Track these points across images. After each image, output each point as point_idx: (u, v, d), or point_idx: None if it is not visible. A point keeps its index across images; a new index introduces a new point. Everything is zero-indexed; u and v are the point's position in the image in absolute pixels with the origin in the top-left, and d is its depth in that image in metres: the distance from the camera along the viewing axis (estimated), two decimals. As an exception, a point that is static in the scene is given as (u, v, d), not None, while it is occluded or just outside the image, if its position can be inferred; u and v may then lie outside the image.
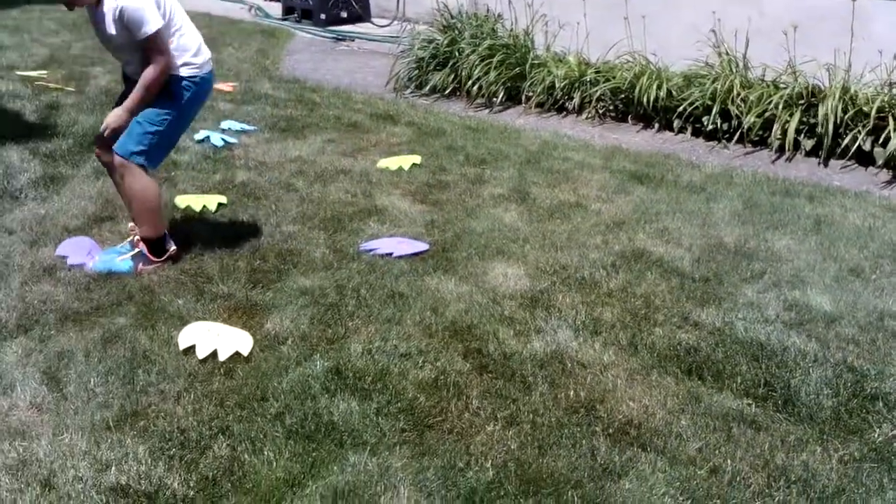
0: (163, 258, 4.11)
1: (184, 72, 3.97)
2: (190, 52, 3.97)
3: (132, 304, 3.76)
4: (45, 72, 7.72)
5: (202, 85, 4.04)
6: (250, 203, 4.88)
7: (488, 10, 7.93)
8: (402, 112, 6.83)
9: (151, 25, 3.80)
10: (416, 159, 5.62)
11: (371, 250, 4.33)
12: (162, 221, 4.14)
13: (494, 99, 7.12)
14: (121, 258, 4.08)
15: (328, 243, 4.41)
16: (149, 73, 3.89)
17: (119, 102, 4.06)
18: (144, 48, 3.85)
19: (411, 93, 7.58)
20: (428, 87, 7.54)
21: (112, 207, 4.75)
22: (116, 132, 3.98)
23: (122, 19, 3.78)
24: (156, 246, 4.11)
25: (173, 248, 4.15)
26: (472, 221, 4.69)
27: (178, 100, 3.99)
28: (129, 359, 3.34)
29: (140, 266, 4.07)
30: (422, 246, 4.37)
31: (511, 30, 7.59)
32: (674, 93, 6.49)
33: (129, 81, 4.07)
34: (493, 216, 4.76)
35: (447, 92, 7.44)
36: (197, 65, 4.00)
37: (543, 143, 6.10)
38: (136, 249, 4.10)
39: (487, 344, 3.50)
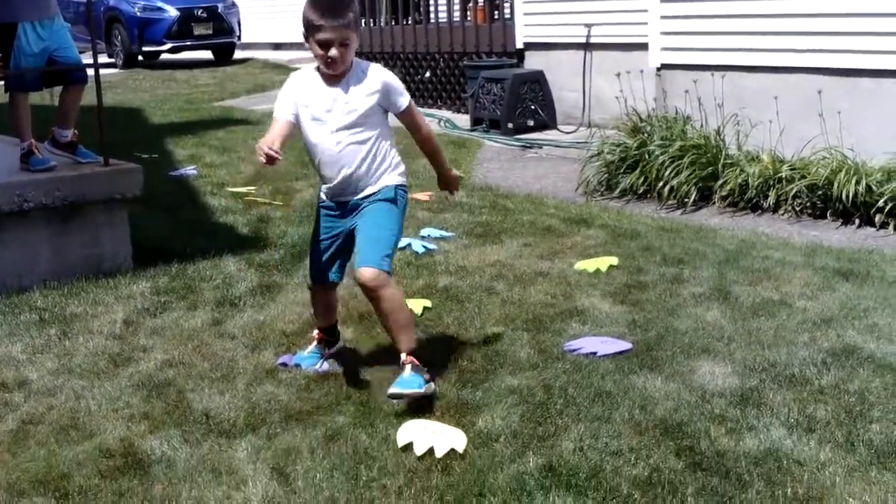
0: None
1: (403, 180, 4.13)
2: (401, 164, 4.17)
3: (350, 403, 3.93)
4: (252, 188, 8.20)
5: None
6: (454, 306, 5.03)
7: (677, 112, 8.00)
8: (594, 215, 6.93)
9: (408, 95, 4.07)
10: (614, 261, 5.68)
11: (575, 350, 4.39)
12: None
13: (686, 199, 7.14)
14: (406, 375, 3.91)
15: (532, 344, 4.50)
16: (431, 135, 4.21)
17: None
18: (408, 118, 4.07)
19: (601, 196, 7.69)
20: (618, 191, 7.63)
21: (324, 313, 4.99)
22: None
23: (384, 91, 3.96)
24: (418, 357, 3.99)
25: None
26: (675, 321, 4.70)
27: (404, 209, 4.13)
28: (351, 455, 3.49)
29: (426, 377, 3.93)
30: (625, 345, 4.41)
31: (701, 130, 7.63)
32: (873, 187, 6.38)
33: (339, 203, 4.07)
34: (695, 315, 4.77)
35: (638, 194, 7.51)
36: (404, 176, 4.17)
37: (741, 241, 6.07)
38: (408, 366, 3.92)
39: (699, 442, 3.49)
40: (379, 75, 4.00)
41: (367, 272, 3.86)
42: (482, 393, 3.96)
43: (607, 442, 3.51)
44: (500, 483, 3.26)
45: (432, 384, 3.97)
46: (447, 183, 4.39)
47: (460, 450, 3.49)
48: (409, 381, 3.87)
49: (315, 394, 4.04)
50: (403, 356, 3.96)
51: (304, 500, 3.22)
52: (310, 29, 3.88)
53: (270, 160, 3.78)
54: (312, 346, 4.40)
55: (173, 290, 5.47)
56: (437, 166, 4.35)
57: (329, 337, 4.39)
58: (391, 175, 4.06)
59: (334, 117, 3.97)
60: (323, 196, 4.18)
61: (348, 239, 4.10)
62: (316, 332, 4.43)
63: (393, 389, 3.84)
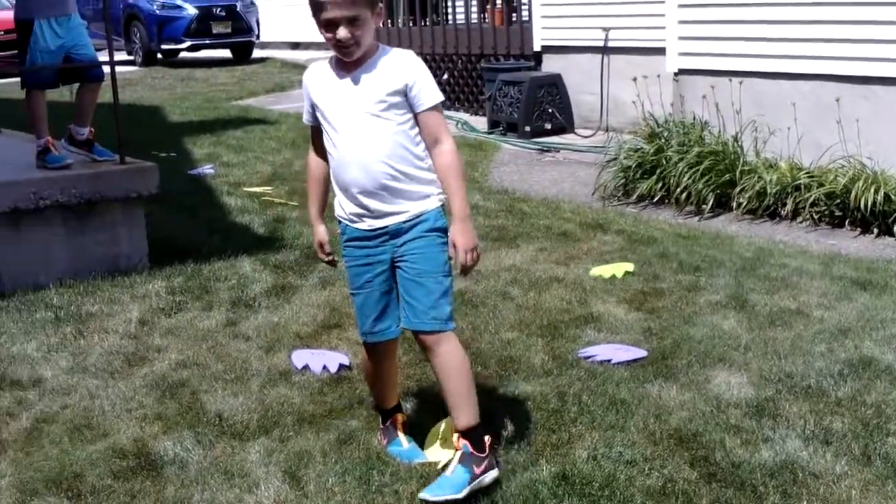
0: (487, 452, 3.24)
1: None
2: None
3: (363, 407, 3.92)
4: (269, 188, 8.20)
5: None
6: (469, 311, 5.02)
7: (695, 117, 7.96)
8: (610, 220, 6.90)
9: (439, 93, 3.25)
10: (629, 267, 5.66)
11: (589, 357, 4.37)
12: None
13: (704, 206, 7.10)
14: (450, 472, 3.21)
15: (547, 350, 4.48)
16: (451, 157, 3.23)
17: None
18: (428, 124, 3.23)
19: (618, 201, 7.66)
20: (635, 196, 7.60)
21: (339, 315, 4.99)
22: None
23: (409, 82, 3.18)
24: (478, 436, 3.26)
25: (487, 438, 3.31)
26: (690, 329, 4.68)
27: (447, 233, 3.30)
28: (363, 460, 3.48)
29: (477, 470, 3.19)
30: (640, 353, 4.39)
31: (719, 136, 7.60)
32: (892, 197, 6.33)
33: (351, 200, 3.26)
34: (711, 323, 4.74)
35: (655, 200, 7.48)
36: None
37: (758, 249, 6.04)
38: (458, 452, 3.23)
39: (714, 452, 3.47)
40: (404, 61, 3.24)
41: (427, 336, 3.32)
42: (496, 399, 3.94)
43: (621, 451, 3.49)
44: (512, 491, 3.24)
45: (493, 471, 3.25)
46: (453, 238, 3.24)
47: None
48: (446, 483, 3.17)
49: (328, 397, 4.04)
50: (456, 438, 3.29)
51: (315, 505, 3.22)
52: (314, 9, 3.17)
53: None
54: (401, 434, 3.59)
55: (189, 289, 5.47)
56: (451, 203, 3.26)
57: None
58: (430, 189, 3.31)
59: (345, 114, 3.24)
60: (343, 222, 3.38)
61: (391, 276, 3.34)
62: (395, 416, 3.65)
63: (423, 494, 3.17)
